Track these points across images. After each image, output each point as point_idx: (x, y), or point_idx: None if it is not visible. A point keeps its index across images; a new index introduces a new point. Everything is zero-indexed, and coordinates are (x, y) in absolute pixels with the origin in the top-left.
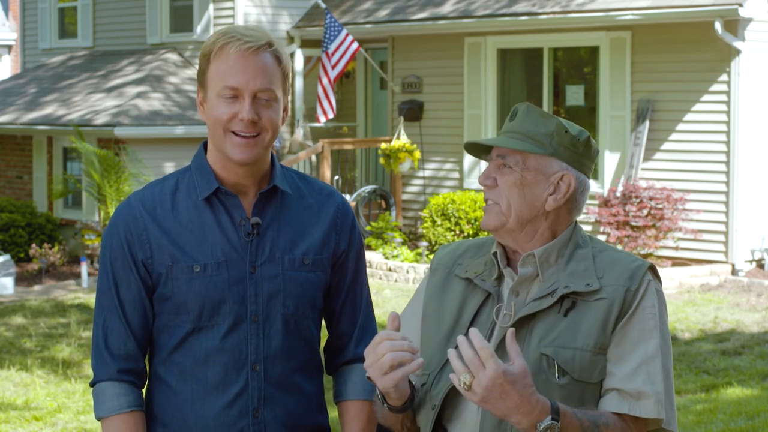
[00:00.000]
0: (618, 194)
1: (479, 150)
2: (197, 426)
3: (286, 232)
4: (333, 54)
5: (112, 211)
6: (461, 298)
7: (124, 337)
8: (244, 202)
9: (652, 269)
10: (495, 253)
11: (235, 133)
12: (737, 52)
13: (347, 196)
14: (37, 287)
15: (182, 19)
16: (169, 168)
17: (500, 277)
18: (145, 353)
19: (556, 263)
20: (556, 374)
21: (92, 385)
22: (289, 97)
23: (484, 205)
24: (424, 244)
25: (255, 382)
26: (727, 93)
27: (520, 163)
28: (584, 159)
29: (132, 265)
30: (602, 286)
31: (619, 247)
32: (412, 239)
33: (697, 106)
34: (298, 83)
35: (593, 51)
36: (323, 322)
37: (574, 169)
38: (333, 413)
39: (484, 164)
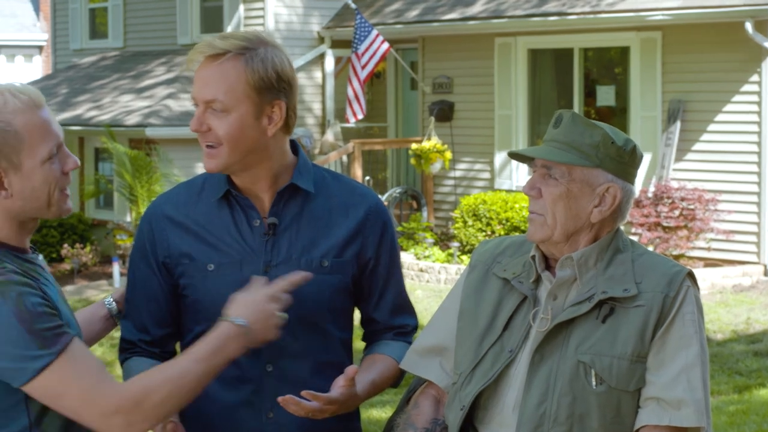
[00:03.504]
0: (650, 195)
1: (523, 156)
2: (210, 422)
3: (306, 232)
4: (363, 54)
5: (143, 211)
6: (498, 297)
7: (136, 333)
8: (262, 202)
9: (691, 276)
10: (533, 257)
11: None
12: None
13: None
14: (69, 287)
15: (213, 19)
16: (200, 168)
17: (538, 280)
18: (162, 342)
19: (595, 267)
20: (593, 382)
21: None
22: (284, 103)
23: (528, 215)
24: (456, 244)
25: (269, 382)
26: (758, 93)
27: (566, 175)
28: (630, 168)
29: (153, 264)
30: (640, 292)
31: (651, 248)
32: (443, 240)
33: (728, 107)
34: (329, 84)
35: (624, 51)
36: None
37: (620, 179)
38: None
39: (515, 164)
